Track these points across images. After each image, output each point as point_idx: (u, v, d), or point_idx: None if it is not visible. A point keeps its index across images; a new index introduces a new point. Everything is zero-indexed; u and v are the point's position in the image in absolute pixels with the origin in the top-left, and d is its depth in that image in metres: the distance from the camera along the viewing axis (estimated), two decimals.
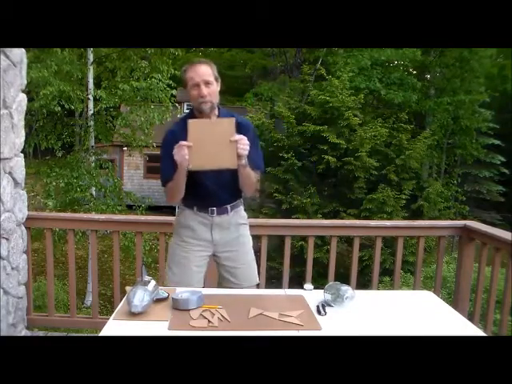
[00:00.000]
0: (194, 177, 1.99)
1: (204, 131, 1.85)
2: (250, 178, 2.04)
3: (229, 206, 2.10)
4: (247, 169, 1.95)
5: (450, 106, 13.92)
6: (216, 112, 2.06)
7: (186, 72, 1.99)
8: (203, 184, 2.03)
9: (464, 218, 11.93)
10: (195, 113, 2.05)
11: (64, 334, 3.69)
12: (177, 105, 9.11)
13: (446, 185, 12.85)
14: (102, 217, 3.19)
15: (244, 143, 1.85)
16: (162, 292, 1.81)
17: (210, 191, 2.05)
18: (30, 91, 7.25)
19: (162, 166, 2.07)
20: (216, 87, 2.00)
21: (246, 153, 1.87)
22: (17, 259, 2.67)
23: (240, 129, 2.04)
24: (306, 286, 1.99)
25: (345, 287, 1.83)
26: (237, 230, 2.15)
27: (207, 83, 1.95)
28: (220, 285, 2.26)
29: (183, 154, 1.83)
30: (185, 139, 1.89)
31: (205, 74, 1.95)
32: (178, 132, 2.00)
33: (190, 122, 1.85)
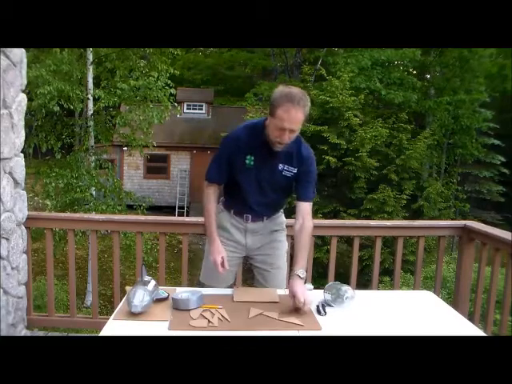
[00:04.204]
0: (239, 190, 2.01)
1: (249, 295, 1.94)
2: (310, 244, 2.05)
3: (265, 216, 2.12)
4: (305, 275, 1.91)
5: (449, 106, 13.93)
6: None
7: (279, 107, 1.78)
8: (246, 201, 2.03)
9: (464, 217, 11.95)
10: (266, 132, 1.91)
11: (64, 334, 3.69)
12: (176, 104, 9.10)
13: (446, 184, 12.85)
14: (102, 217, 3.18)
15: (307, 307, 1.76)
16: (162, 292, 1.81)
17: (252, 206, 2.05)
18: (30, 91, 7.25)
19: (212, 165, 2.05)
20: (299, 129, 1.87)
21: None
22: (17, 259, 2.66)
23: (302, 162, 1.99)
24: (306, 286, 1.99)
25: (345, 287, 1.83)
26: (270, 236, 2.15)
27: (293, 131, 1.82)
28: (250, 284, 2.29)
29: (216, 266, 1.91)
30: (247, 147, 1.92)
31: (297, 123, 1.80)
32: (244, 140, 1.95)
33: (236, 290, 2.00)
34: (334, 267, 2.91)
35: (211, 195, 2.05)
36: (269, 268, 2.15)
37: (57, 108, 7.96)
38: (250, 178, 1.98)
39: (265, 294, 1.93)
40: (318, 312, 1.74)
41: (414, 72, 16.65)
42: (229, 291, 1.99)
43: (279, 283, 2.17)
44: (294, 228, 2.00)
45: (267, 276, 2.16)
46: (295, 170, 1.98)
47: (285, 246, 2.24)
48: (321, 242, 8.46)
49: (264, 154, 1.93)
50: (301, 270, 1.85)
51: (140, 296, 1.66)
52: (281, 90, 1.84)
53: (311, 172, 2.03)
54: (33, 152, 9.62)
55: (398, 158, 10.52)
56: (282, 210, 2.22)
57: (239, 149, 1.95)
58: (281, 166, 1.96)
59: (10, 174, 2.56)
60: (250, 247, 2.14)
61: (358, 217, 9.77)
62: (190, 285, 2.98)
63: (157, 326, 1.59)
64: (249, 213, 2.07)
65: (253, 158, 1.95)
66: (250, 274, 2.29)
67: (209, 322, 1.62)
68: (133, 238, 7.22)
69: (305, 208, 2.02)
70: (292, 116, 1.76)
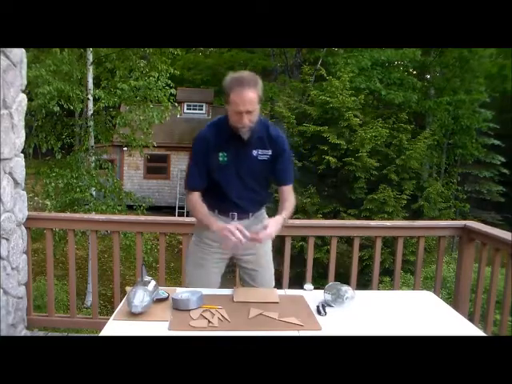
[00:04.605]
0: (219, 187, 1.99)
1: (249, 295, 1.93)
2: (291, 213, 2.05)
3: (250, 212, 2.10)
4: (287, 219, 1.97)
5: (449, 106, 13.94)
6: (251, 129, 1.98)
7: (231, 92, 1.84)
8: (228, 196, 2.02)
9: (464, 217, 11.95)
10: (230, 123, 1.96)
11: (64, 334, 3.69)
12: (176, 104, 9.10)
13: (446, 184, 12.85)
14: (102, 217, 3.19)
15: (264, 239, 1.86)
16: (162, 292, 1.81)
17: (235, 202, 2.03)
18: (30, 91, 7.25)
19: (190, 172, 2.04)
20: (258, 109, 1.88)
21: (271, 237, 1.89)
22: (17, 259, 2.67)
23: (273, 143, 2.00)
24: (305, 286, 1.99)
25: (345, 287, 1.83)
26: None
27: (250, 112, 1.84)
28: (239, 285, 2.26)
29: (234, 247, 1.83)
30: (217, 148, 1.93)
31: (250, 103, 1.82)
32: (212, 139, 1.96)
33: (236, 290, 1.98)
34: (334, 267, 2.91)
35: (197, 198, 2.02)
36: (256, 267, 2.14)
37: (57, 108, 7.95)
38: (228, 173, 1.97)
39: (265, 295, 1.93)
40: (318, 312, 1.74)
41: (414, 72, 16.64)
42: (229, 291, 1.99)
43: (267, 282, 2.16)
44: (279, 203, 2.06)
45: (255, 275, 2.14)
46: (270, 152, 1.99)
47: (270, 244, 2.22)
48: (321, 242, 8.46)
49: (235, 145, 1.94)
50: (285, 214, 1.95)
51: (140, 296, 1.66)
52: (230, 76, 1.90)
53: (285, 151, 2.03)
54: (33, 152, 9.61)
55: (398, 158, 10.52)
56: (264, 208, 2.19)
57: (209, 148, 1.95)
58: (255, 152, 1.97)
59: (10, 174, 2.56)
60: None
61: (358, 217, 9.76)
62: None
63: (157, 326, 1.59)
64: (234, 210, 2.04)
65: (225, 153, 1.95)
66: None
67: (209, 322, 1.62)
68: (133, 238, 7.22)
69: (286, 190, 2.07)
70: (244, 98, 1.81)
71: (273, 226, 1.86)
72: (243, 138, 1.92)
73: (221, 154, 1.95)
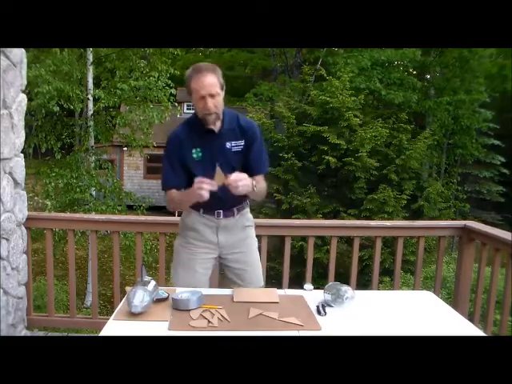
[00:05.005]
0: None
1: (249, 295, 1.91)
2: (260, 193, 2.03)
3: (235, 209, 2.08)
4: (255, 190, 1.92)
5: (449, 106, 13.94)
6: (220, 117, 1.99)
7: (191, 81, 1.88)
8: (209, 192, 2.01)
9: (464, 218, 11.95)
10: (200, 117, 1.98)
11: (64, 334, 3.69)
12: (176, 104, 9.10)
13: (446, 184, 12.86)
14: (102, 217, 3.19)
15: (237, 185, 1.80)
16: (162, 292, 1.81)
17: (217, 196, 1.98)
18: (30, 91, 7.25)
19: (164, 171, 2.04)
20: (221, 96, 1.92)
21: (242, 192, 1.84)
22: (17, 259, 2.67)
23: (245, 133, 2.01)
24: (305, 286, 1.99)
25: (345, 287, 1.83)
26: (243, 232, 2.13)
27: (212, 95, 1.87)
28: (222, 286, 2.24)
29: (203, 194, 1.78)
30: (190, 145, 1.94)
31: (210, 86, 1.85)
32: (184, 137, 1.98)
33: (235, 290, 1.95)
34: (334, 267, 2.91)
35: (174, 192, 2.02)
36: (244, 266, 2.12)
37: (57, 108, 7.95)
38: (205, 168, 1.94)
39: (265, 294, 1.93)
40: (318, 312, 1.74)
41: (414, 72, 16.65)
42: (229, 291, 1.98)
43: (256, 280, 2.15)
44: None
45: (244, 275, 2.12)
46: (242, 143, 2.00)
47: (256, 242, 2.21)
48: (321, 242, 8.46)
49: (208, 140, 1.95)
50: (255, 182, 1.91)
51: (140, 296, 1.66)
52: (189, 68, 1.93)
53: (256, 140, 2.03)
54: (33, 152, 9.61)
55: (398, 158, 10.52)
56: (248, 203, 2.17)
57: (183, 147, 1.96)
58: (228, 145, 1.98)
59: (10, 174, 2.56)
60: (223, 245, 2.09)
61: (358, 217, 9.76)
62: None
63: (157, 326, 1.59)
64: (219, 207, 2.03)
65: (199, 149, 1.96)
66: None
67: (209, 322, 1.62)
68: (133, 238, 7.22)
69: (258, 179, 2.03)
70: (204, 83, 1.85)
71: (244, 183, 1.81)
72: (214, 131, 1.95)
73: (194, 151, 1.97)
